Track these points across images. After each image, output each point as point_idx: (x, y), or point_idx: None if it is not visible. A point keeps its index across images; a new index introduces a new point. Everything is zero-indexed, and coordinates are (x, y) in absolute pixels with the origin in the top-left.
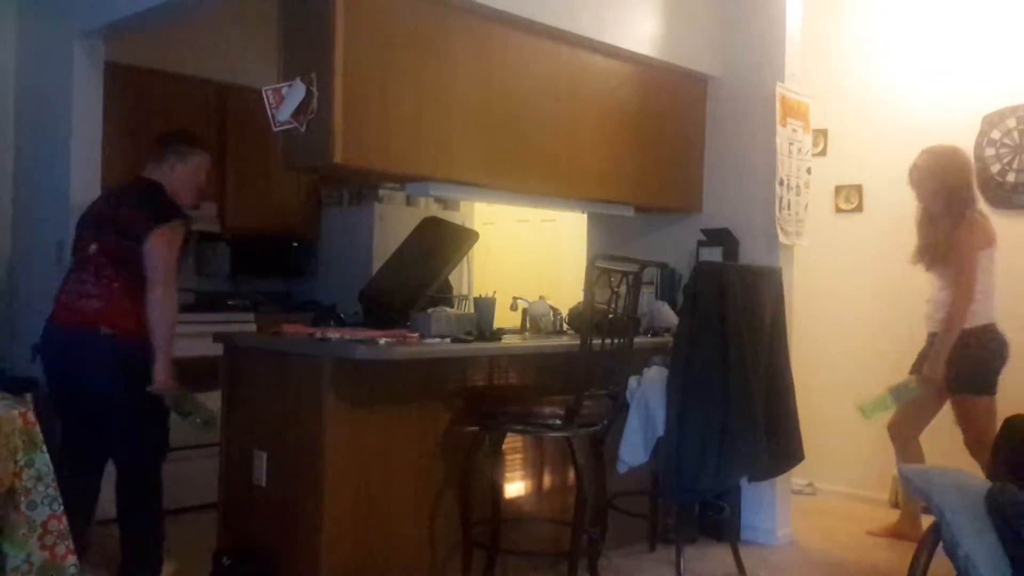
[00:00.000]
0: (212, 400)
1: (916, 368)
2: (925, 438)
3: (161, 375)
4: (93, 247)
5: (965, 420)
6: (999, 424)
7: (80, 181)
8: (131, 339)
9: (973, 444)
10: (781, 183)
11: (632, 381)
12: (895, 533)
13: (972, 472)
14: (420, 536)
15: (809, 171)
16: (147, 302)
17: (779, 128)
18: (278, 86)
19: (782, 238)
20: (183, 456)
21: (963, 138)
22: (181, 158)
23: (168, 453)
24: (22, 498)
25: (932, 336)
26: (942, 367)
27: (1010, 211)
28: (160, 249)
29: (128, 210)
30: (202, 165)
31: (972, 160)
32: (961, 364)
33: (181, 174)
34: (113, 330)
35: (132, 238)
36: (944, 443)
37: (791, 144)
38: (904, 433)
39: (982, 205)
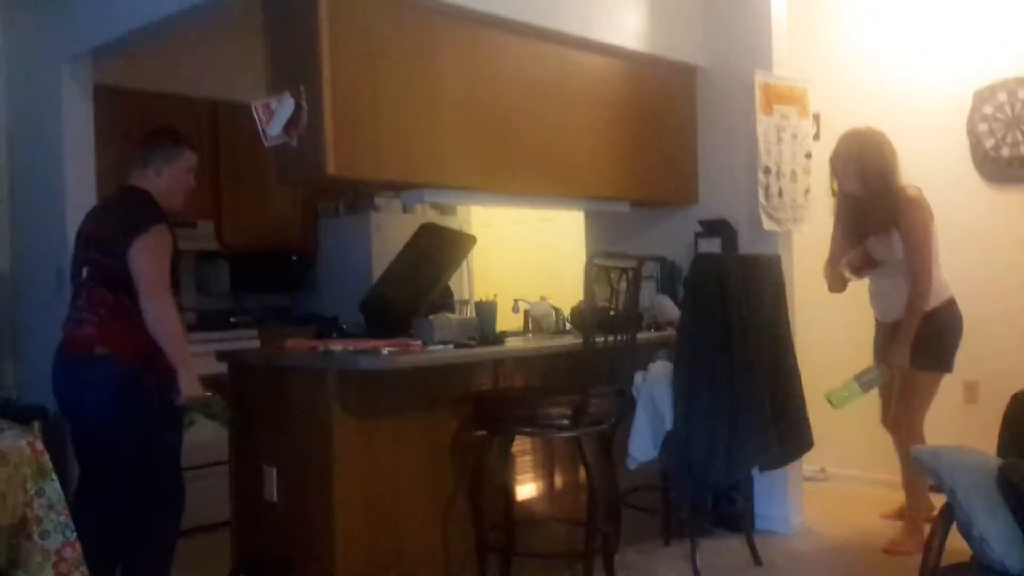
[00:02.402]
0: None
1: (878, 357)
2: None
3: (184, 388)
4: (85, 271)
5: (912, 394)
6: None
7: (75, 207)
8: (131, 361)
9: (902, 418)
10: (767, 171)
11: (638, 377)
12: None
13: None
14: (433, 543)
15: (809, 156)
16: (144, 319)
17: (761, 116)
18: (267, 100)
19: (767, 225)
20: (194, 475)
21: (955, 114)
22: (167, 159)
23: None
24: (34, 527)
25: (882, 325)
26: (908, 351)
27: (1006, 185)
28: (142, 262)
29: (110, 225)
30: (191, 164)
31: (890, 141)
32: (929, 341)
33: (169, 177)
34: (109, 350)
35: (116, 256)
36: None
37: (781, 131)
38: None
39: (979, 180)
